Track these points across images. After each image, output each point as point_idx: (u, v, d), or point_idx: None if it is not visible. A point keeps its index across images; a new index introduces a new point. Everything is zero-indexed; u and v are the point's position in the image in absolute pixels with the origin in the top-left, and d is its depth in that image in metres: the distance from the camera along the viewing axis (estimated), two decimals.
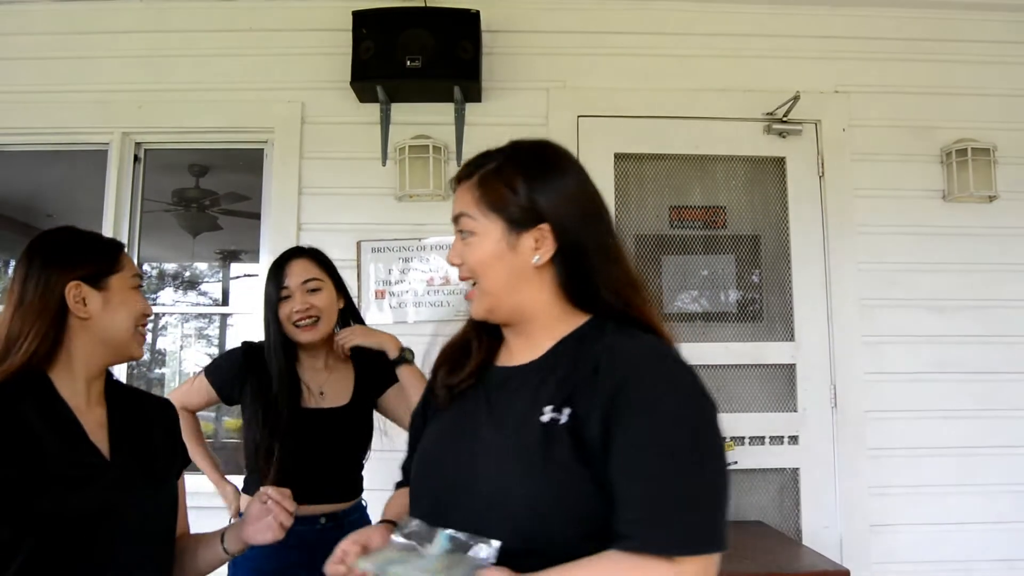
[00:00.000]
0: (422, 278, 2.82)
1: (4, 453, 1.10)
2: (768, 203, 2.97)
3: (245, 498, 1.95)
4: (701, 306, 2.99)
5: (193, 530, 1.41)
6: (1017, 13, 2.98)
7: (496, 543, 0.92)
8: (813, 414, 2.82)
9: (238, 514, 1.95)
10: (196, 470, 1.90)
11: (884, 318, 2.84)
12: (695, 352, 2.77)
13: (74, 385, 1.22)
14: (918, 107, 2.94)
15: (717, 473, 0.93)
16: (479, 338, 1.14)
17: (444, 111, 2.84)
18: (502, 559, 0.91)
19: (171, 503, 1.31)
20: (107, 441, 1.22)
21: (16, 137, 2.90)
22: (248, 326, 2.95)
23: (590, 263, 1.04)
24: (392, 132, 2.84)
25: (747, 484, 2.82)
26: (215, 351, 4.00)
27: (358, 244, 2.81)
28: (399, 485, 1.26)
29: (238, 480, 2.02)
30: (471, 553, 0.94)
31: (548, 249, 1.03)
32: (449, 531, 0.97)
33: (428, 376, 1.21)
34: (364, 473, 1.99)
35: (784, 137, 2.92)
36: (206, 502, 1.85)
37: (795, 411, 2.83)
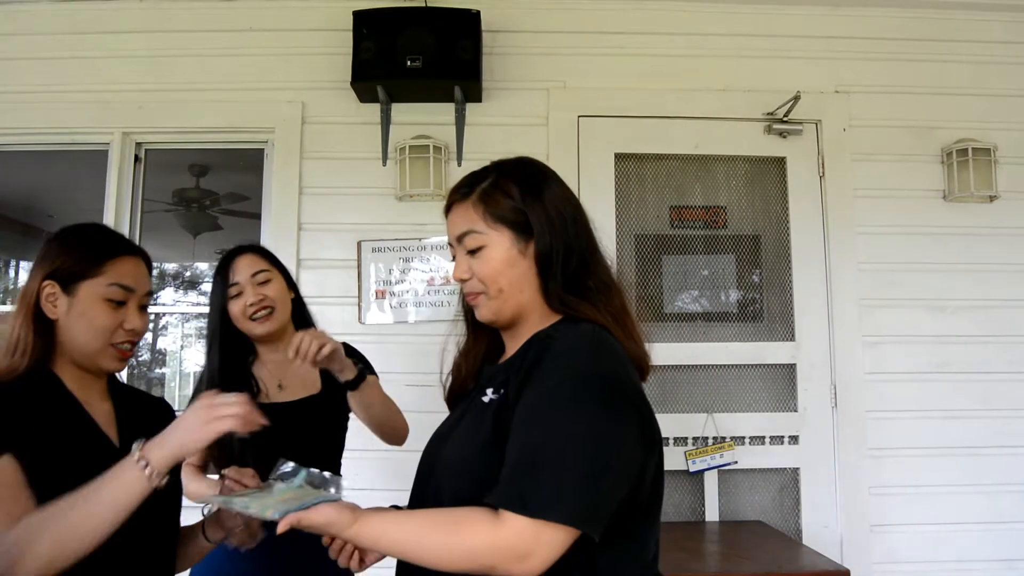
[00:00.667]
0: (422, 278, 2.82)
1: (26, 444, 1.11)
2: (768, 203, 2.97)
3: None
4: (701, 306, 2.99)
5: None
6: (1017, 13, 2.98)
7: (346, 482, 1.05)
8: (813, 414, 2.82)
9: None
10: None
11: (884, 318, 2.83)
12: (695, 352, 2.84)
13: (80, 381, 1.23)
14: (918, 107, 2.94)
15: (578, 442, 0.94)
16: (476, 345, 1.23)
17: (444, 111, 2.84)
18: None
19: (176, 495, 1.33)
20: (116, 434, 1.24)
21: (16, 137, 2.89)
22: None
23: (574, 265, 1.11)
24: (392, 132, 2.84)
25: (747, 484, 2.82)
26: None
27: (358, 244, 2.81)
28: None
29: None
30: (325, 488, 1.04)
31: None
32: (312, 470, 1.07)
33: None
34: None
35: (784, 137, 2.92)
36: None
37: (795, 411, 2.83)
